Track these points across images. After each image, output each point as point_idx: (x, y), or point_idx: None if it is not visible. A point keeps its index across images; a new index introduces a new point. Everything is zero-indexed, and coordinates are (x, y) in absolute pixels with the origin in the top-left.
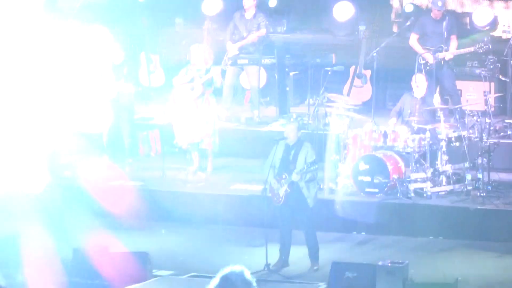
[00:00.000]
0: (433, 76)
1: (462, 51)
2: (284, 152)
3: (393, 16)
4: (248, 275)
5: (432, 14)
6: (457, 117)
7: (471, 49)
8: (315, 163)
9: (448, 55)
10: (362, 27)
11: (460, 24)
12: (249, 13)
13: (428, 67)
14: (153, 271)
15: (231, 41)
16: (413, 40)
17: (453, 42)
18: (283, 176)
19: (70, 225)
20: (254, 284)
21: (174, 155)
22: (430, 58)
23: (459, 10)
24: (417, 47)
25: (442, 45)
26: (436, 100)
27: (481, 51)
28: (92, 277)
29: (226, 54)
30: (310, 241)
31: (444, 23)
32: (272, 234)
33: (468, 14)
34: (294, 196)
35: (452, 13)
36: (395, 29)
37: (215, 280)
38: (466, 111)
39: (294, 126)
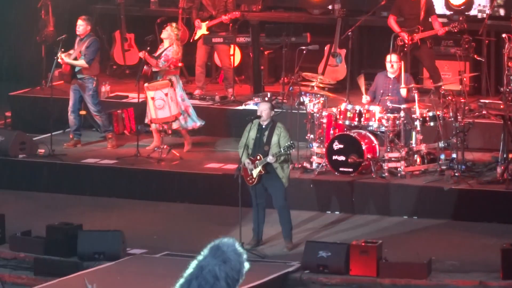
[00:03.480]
0: (408, 56)
1: (436, 31)
2: (258, 133)
3: None
4: (239, 246)
5: None
6: (432, 96)
7: (446, 28)
8: (291, 147)
9: (435, 33)
10: (337, 6)
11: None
12: None
13: (405, 48)
14: (127, 249)
15: (199, 19)
16: (392, 21)
17: (436, 22)
18: (258, 157)
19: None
20: (245, 256)
21: (148, 134)
22: (406, 39)
23: None
24: (395, 28)
25: (419, 26)
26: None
27: (455, 30)
28: (65, 255)
29: (194, 33)
30: (283, 220)
31: (421, 4)
32: (245, 213)
33: None
34: (268, 176)
35: None
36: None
37: (205, 250)
38: (440, 91)
39: (267, 106)
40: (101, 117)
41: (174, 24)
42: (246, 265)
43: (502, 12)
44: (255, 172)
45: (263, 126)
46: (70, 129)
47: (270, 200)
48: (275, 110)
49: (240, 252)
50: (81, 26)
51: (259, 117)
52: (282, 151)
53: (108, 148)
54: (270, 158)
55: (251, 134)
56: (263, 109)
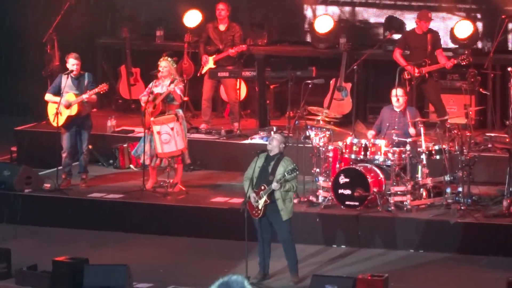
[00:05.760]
0: (415, 90)
1: (444, 64)
2: (264, 163)
3: (306, 25)
4: (248, 284)
5: (416, 29)
6: (437, 130)
7: (454, 61)
8: (295, 170)
9: (444, 66)
10: (342, 40)
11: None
12: (223, 24)
13: (413, 82)
14: (134, 283)
15: (206, 54)
16: (397, 54)
17: (442, 56)
18: (262, 188)
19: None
20: None
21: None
22: (413, 72)
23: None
24: (402, 61)
25: (426, 60)
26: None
27: (464, 63)
28: None
29: (201, 67)
30: (289, 254)
31: (428, 38)
32: (252, 247)
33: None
34: (273, 210)
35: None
36: (308, 38)
37: (213, 286)
38: (446, 124)
39: (279, 136)
40: (87, 157)
41: (169, 59)
42: None
43: (479, 45)
44: (260, 203)
45: (270, 157)
46: (64, 169)
47: (276, 233)
48: (284, 144)
49: None
50: (77, 65)
51: (265, 151)
52: (286, 175)
53: (82, 187)
54: (274, 185)
55: (258, 164)
56: (274, 137)
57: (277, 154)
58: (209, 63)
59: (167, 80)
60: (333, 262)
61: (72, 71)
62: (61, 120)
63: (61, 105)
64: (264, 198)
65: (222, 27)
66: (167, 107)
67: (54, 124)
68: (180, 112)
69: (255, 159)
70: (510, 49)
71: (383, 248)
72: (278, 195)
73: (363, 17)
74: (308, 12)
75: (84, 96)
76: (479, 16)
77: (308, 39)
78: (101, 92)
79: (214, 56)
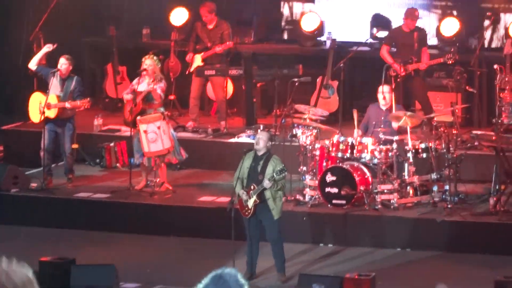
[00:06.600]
0: (401, 87)
1: (431, 62)
2: (253, 163)
3: (283, 23)
4: (241, 277)
5: (403, 27)
6: (424, 128)
7: (440, 60)
8: (284, 170)
9: (417, 66)
10: (329, 38)
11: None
12: (211, 23)
13: (398, 79)
14: (120, 283)
15: (193, 52)
16: (384, 51)
17: (425, 54)
18: (252, 187)
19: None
20: (246, 287)
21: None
22: (399, 70)
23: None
24: (388, 59)
25: (412, 57)
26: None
27: (450, 62)
28: None
29: (190, 65)
30: (277, 253)
31: (415, 35)
32: (239, 246)
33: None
34: (262, 209)
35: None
36: (286, 36)
37: (206, 279)
38: (432, 122)
39: (265, 135)
40: (72, 158)
41: (154, 57)
42: None
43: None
44: (250, 203)
45: (259, 157)
46: (44, 168)
47: (264, 233)
48: (272, 142)
49: (242, 283)
50: (64, 65)
51: (250, 150)
52: (275, 175)
53: (69, 187)
54: (266, 183)
55: (246, 164)
56: (260, 137)
57: (265, 153)
58: (197, 60)
59: (149, 79)
60: (320, 261)
61: (58, 70)
62: (41, 118)
63: (44, 104)
64: (254, 197)
65: (210, 26)
66: (148, 106)
67: (34, 120)
68: (162, 109)
69: (243, 157)
70: (496, 46)
71: (370, 247)
72: (269, 195)
73: (350, 14)
74: (295, 10)
75: (67, 105)
76: (455, 12)
77: (289, 37)
78: (82, 108)
79: (202, 54)
